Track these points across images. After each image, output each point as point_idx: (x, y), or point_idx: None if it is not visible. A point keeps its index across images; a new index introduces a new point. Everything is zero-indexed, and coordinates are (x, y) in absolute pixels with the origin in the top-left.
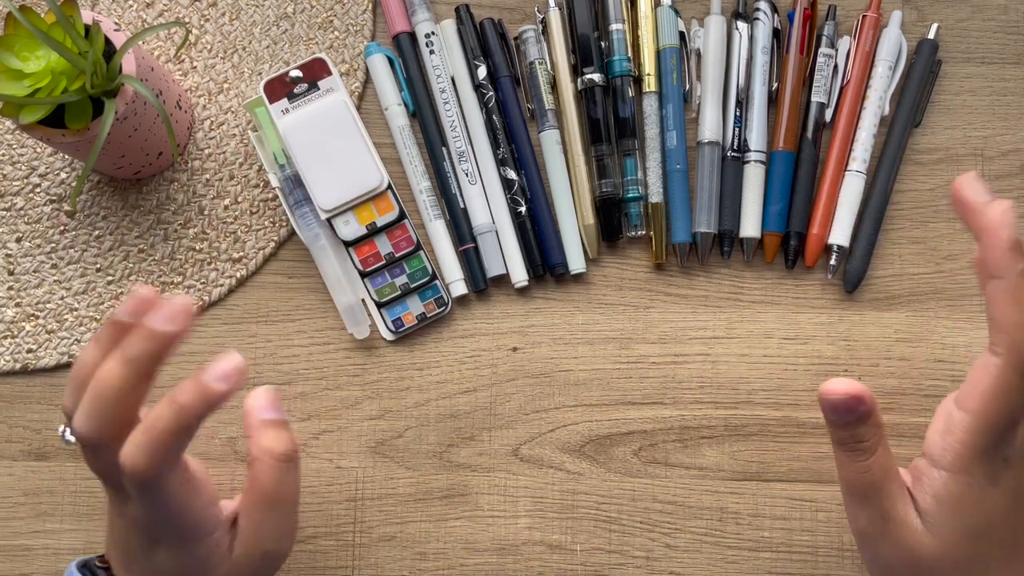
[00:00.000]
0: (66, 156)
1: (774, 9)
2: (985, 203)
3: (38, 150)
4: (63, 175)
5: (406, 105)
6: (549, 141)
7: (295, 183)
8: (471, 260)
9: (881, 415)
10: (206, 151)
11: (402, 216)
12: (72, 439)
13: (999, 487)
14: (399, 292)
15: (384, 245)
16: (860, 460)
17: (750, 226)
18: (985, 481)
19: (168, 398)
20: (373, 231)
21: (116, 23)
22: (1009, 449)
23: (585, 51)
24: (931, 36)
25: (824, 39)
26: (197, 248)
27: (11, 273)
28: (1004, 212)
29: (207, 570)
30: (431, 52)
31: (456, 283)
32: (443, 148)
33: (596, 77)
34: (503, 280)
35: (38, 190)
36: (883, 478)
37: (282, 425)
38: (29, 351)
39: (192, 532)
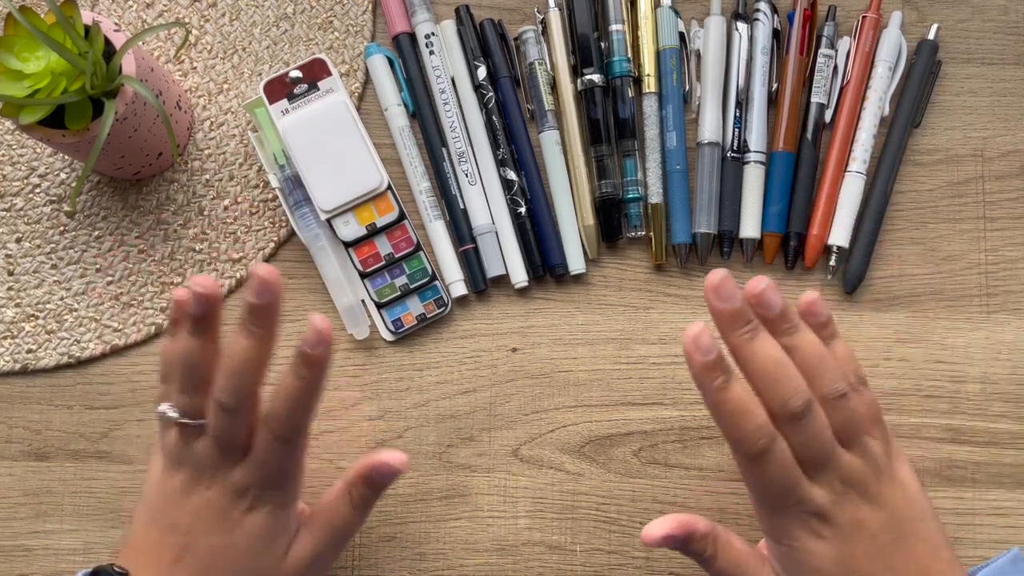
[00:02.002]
0: (66, 156)
1: (774, 10)
2: (690, 331)
3: (38, 150)
4: (63, 175)
5: (406, 106)
6: (549, 142)
7: (295, 183)
8: (471, 261)
9: (704, 524)
10: (206, 151)
11: (402, 217)
12: (174, 415)
13: (824, 537)
14: (399, 293)
15: (384, 246)
16: (710, 566)
17: (750, 227)
18: (810, 540)
19: (289, 371)
20: (373, 232)
21: (116, 24)
22: (811, 506)
23: (585, 52)
24: (931, 37)
25: (824, 40)
26: (197, 248)
27: (11, 273)
28: (695, 337)
29: (283, 542)
30: (431, 53)
31: (456, 284)
32: (443, 149)
33: (596, 78)
34: (503, 281)
35: (38, 190)
36: (738, 571)
37: (381, 491)
38: (29, 351)
39: (293, 492)
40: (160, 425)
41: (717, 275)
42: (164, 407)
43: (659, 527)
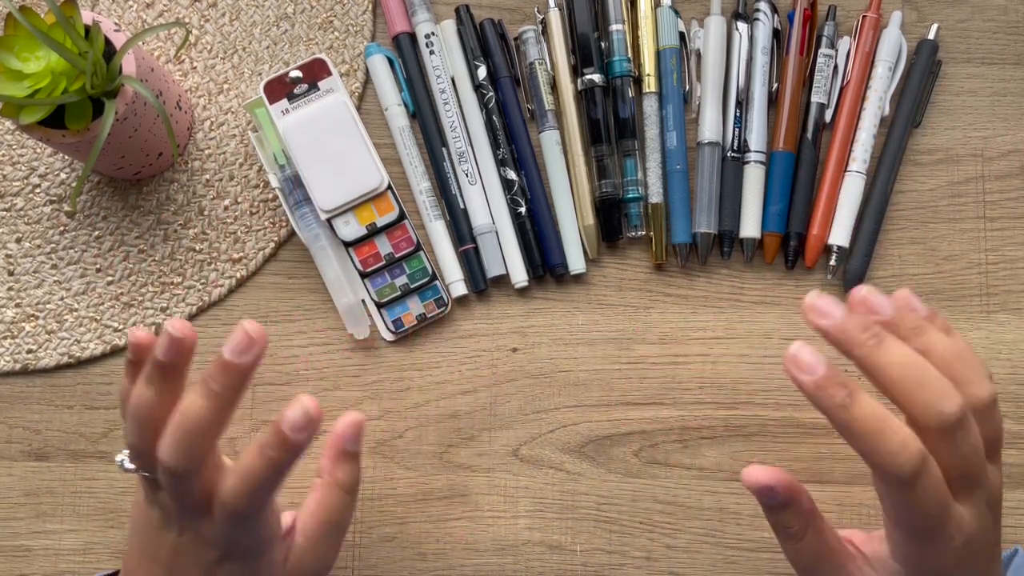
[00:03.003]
0: (66, 156)
1: (774, 10)
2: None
3: (38, 150)
4: (63, 175)
5: (406, 105)
6: (549, 141)
7: (295, 183)
8: (471, 260)
9: (809, 502)
10: (206, 152)
11: (402, 216)
12: (132, 467)
13: (965, 568)
14: (399, 292)
15: (384, 245)
16: (788, 543)
17: (750, 226)
18: (947, 565)
19: (257, 447)
20: (373, 231)
21: (116, 24)
22: (961, 535)
23: (585, 51)
24: (931, 36)
25: (824, 40)
26: (197, 248)
27: (11, 273)
28: (803, 360)
29: (274, 570)
30: (431, 52)
31: (456, 283)
32: (443, 148)
33: (596, 78)
34: (503, 280)
35: (38, 190)
36: (816, 563)
37: (356, 457)
38: (29, 351)
39: (262, 547)
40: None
41: (811, 296)
42: (120, 456)
43: (765, 474)
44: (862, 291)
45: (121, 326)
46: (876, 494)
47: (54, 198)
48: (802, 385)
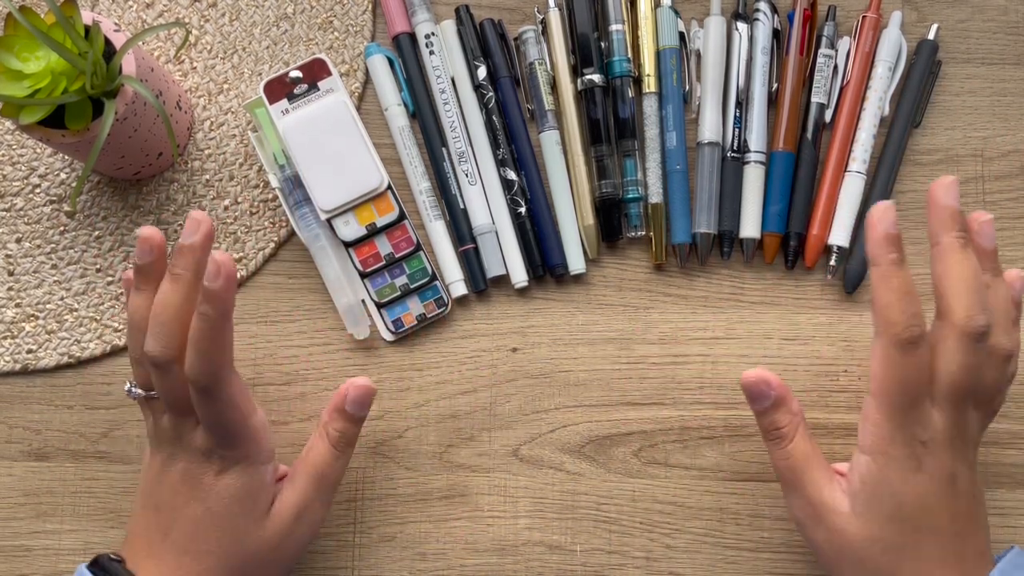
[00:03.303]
0: (66, 156)
1: (774, 10)
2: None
3: (38, 150)
4: (63, 175)
5: (406, 106)
6: (549, 142)
7: (295, 184)
8: (471, 261)
9: (797, 405)
10: (206, 152)
11: (402, 217)
12: (139, 391)
13: (924, 471)
14: (399, 293)
15: (384, 246)
16: (780, 447)
17: (750, 227)
18: (907, 465)
19: (196, 312)
20: (373, 232)
21: (116, 24)
22: (925, 433)
23: (585, 52)
24: (931, 37)
25: (824, 40)
26: None
27: (11, 273)
28: (883, 210)
29: (263, 500)
30: (431, 53)
31: (456, 284)
32: (443, 148)
33: (596, 78)
34: (503, 281)
35: (38, 190)
36: (804, 463)
37: (353, 420)
38: (29, 351)
39: (251, 448)
40: (143, 414)
41: (949, 177)
42: (128, 385)
43: (761, 372)
44: (987, 215)
45: (121, 326)
46: (870, 367)
47: (54, 198)
48: (872, 232)
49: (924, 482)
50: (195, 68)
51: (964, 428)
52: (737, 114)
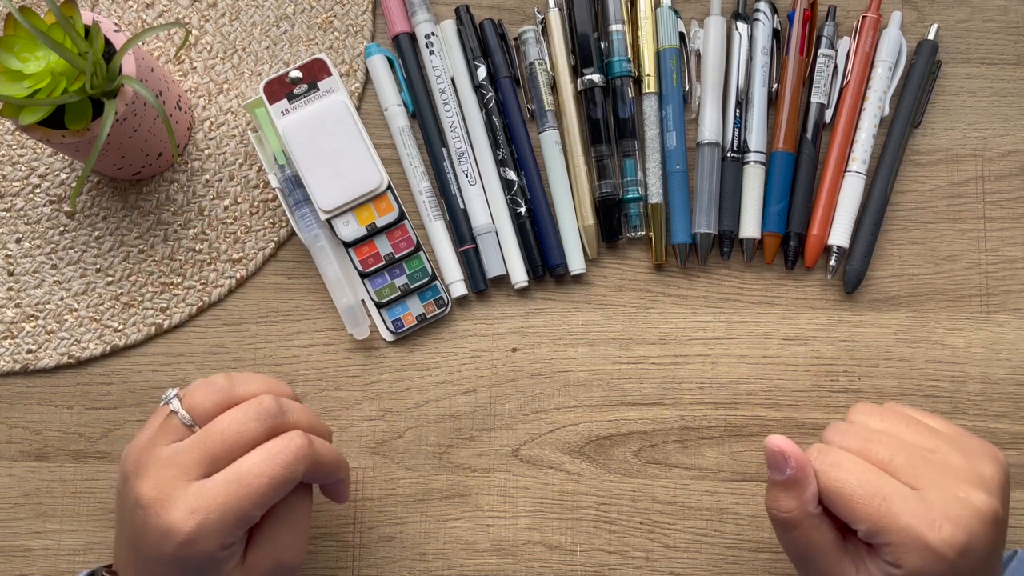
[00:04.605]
0: (66, 157)
1: (774, 10)
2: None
3: (38, 151)
4: (63, 175)
5: (406, 106)
6: (549, 142)
7: (295, 184)
8: (471, 261)
9: (812, 492)
10: (206, 152)
11: (402, 217)
12: (185, 413)
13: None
14: (399, 293)
15: (384, 246)
16: (781, 530)
17: (750, 227)
18: None
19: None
20: (373, 232)
21: (116, 24)
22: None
23: (585, 52)
24: (931, 37)
25: (824, 40)
26: (197, 249)
27: (11, 274)
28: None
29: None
30: (431, 53)
31: (456, 284)
32: (443, 149)
33: (596, 78)
34: (503, 281)
35: (38, 191)
36: (809, 552)
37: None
38: (29, 351)
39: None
40: (149, 424)
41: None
42: (172, 394)
43: (787, 445)
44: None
45: (121, 326)
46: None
47: (54, 198)
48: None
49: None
50: (195, 68)
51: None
52: (737, 114)
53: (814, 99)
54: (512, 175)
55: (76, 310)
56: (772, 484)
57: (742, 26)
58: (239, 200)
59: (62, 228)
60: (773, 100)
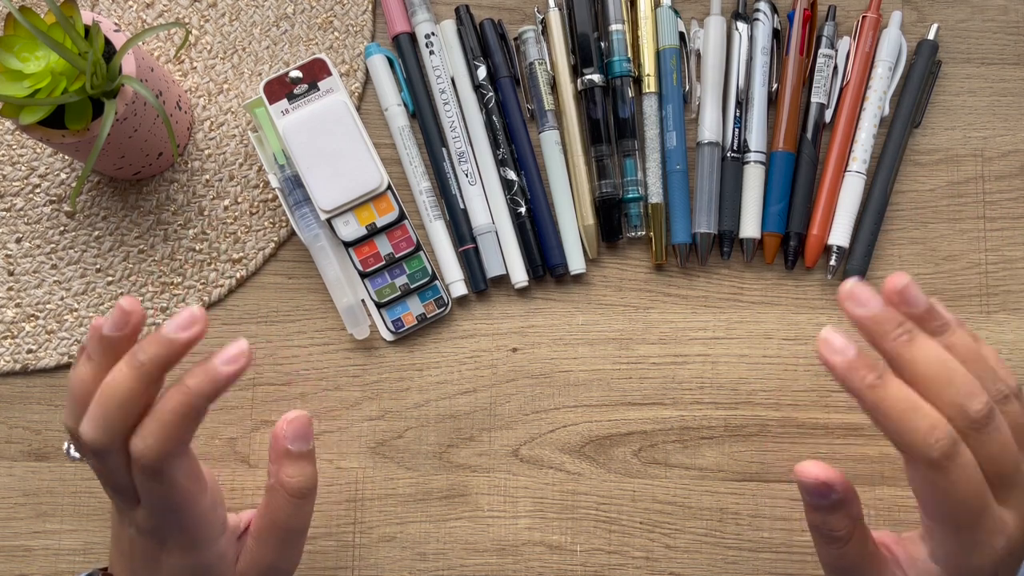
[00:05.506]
0: (66, 157)
1: (774, 10)
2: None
3: (38, 150)
4: (63, 175)
5: (406, 105)
6: (549, 141)
7: (295, 184)
8: (471, 261)
9: (859, 506)
10: (206, 152)
11: (402, 217)
12: (77, 455)
13: (1001, 572)
14: (399, 293)
15: (384, 246)
16: (831, 547)
17: (750, 227)
18: (985, 561)
19: (177, 384)
20: (373, 232)
21: (116, 24)
22: (1001, 539)
23: (585, 51)
24: (931, 37)
25: (824, 40)
26: (197, 249)
27: (11, 273)
28: (835, 345)
29: (221, 570)
30: (431, 52)
31: (456, 284)
32: (443, 148)
33: (596, 78)
34: (503, 281)
35: (38, 190)
36: (857, 565)
37: (304, 458)
38: (29, 351)
39: (199, 532)
40: None
41: (849, 283)
42: (66, 444)
43: (821, 470)
44: (902, 281)
45: None
46: (912, 491)
47: (54, 198)
48: (833, 366)
49: (998, 569)
50: (195, 68)
51: None
52: (737, 114)
53: (814, 99)
54: (512, 175)
55: (76, 310)
56: (816, 508)
57: (742, 26)
58: (239, 200)
59: (62, 228)
60: (773, 100)
